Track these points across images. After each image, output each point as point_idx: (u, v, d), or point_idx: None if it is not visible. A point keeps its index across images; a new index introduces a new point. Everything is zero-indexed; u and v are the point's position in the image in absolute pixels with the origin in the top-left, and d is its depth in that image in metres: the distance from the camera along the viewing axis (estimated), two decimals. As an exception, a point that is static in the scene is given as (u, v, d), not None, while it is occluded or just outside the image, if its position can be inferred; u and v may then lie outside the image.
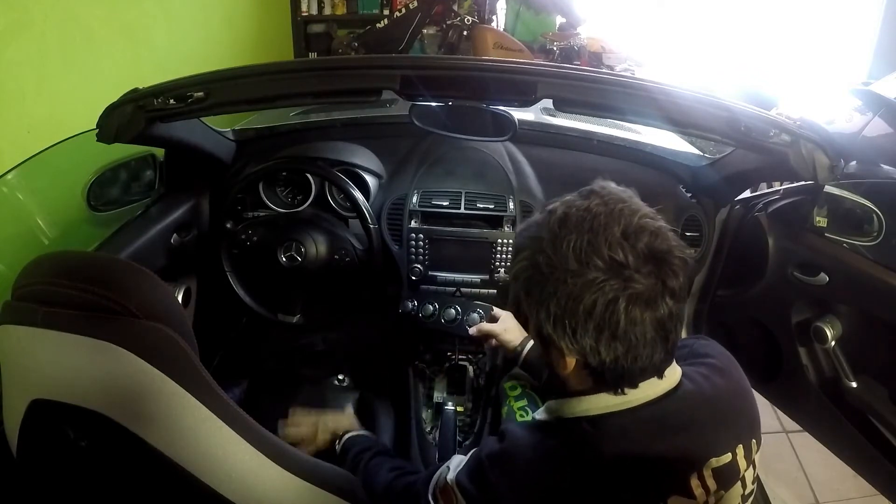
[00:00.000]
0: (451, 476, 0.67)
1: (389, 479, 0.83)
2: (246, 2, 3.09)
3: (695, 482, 0.61)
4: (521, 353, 1.07)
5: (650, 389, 0.61)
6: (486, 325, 1.13)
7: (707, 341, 0.77)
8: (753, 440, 0.67)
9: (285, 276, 1.29)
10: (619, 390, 0.61)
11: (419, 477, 0.78)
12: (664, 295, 0.57)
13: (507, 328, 1.10)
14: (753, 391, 0.76)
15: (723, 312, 1.41)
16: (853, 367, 1.16)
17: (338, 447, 1.00)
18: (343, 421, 1.05)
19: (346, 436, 1.01)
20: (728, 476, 0.63)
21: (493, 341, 1.11)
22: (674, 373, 0.64)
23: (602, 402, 0.62)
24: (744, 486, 0.66)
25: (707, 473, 0.61)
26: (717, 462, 0.62)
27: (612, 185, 0.63)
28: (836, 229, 1.13)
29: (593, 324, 0.56)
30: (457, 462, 0.70)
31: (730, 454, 0.63)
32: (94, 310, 0.60)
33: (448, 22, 3.28)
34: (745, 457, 0.65)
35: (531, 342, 1.06)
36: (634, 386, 0.61)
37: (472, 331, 1.15)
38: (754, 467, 0.67)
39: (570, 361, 0.61)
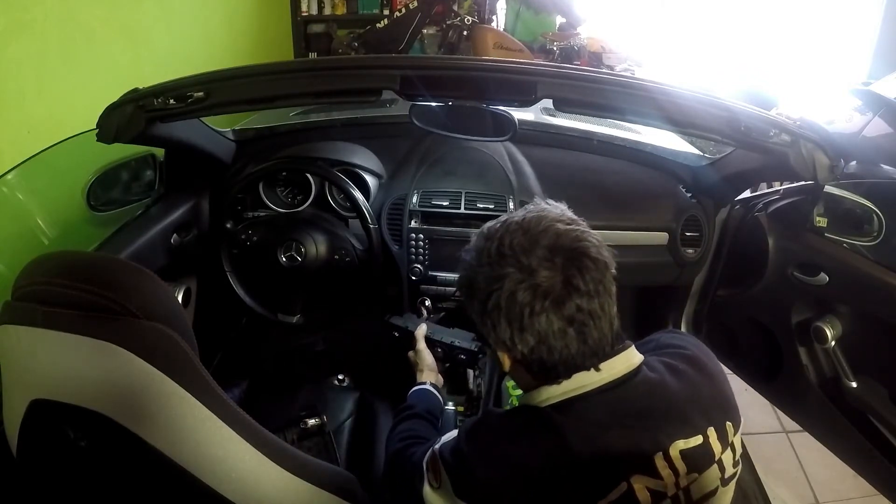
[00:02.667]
0: (437, 447, 0.72)
1: (399, 448, 0.86)
2: (246, 2, 3.09)
3: (660, 463, 0.63)
4: None
5: (592, 378, 0.65)
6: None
7: (675, 333, 0.79)
8: (728, 422, 0.68)
9: (285, 276, 1.29)
10: (555, 379, 0.65)
11: (421, 448, 0.81)
12: (569, 291, 0.61)
13: None
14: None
15: (723, 312, 1.41)
16: (853, 367, 1.16)
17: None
18: (425, 372, 1.09)
19: (413, 388, 1.05)
20: (700, 459, 0.65)
21: None
22: (627, 360, 0.67)
23: (560, 390, 0.66)
24: (722, 469, 0.67)
25: (674, 455, 0.63)
26: (685, 444, 0.64)
27: (547, 202, 0.70)
28: (836, 229, 1.13)
29: (504, 318, 0.63)
30: (447, 436, 0.75)
31: (700, 437, 0.65)
32: (94, 310, 0.60)
33: (448, 22, 3.27)
34: (718, 440, 0.66)
35: None
36: (568, 377, 0.65)
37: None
38: (734, 450, 0.69)
39: (504, 357, 0.68)
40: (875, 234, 1.08)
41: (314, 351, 1.58)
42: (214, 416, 0.62)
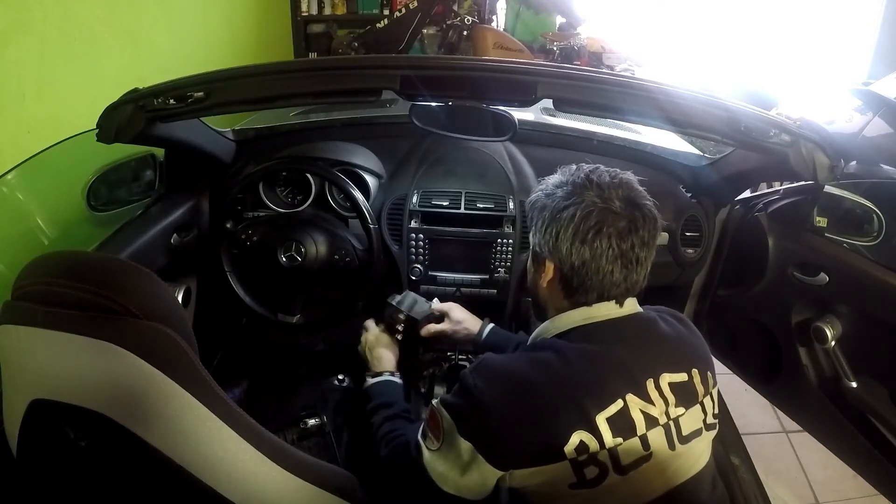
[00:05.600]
0: (435, 402, 0.76)
1: (392, 448, 0.87)
2: (246, 2, 3.09)
3: (651, 388, 0.70)
4: (482, 335, 1.12)
5: (611, 310, 0.75)
6: (433, 327, 1.15)
7: (667, 308, 0.87)
8: (709, 372, 0.78)
9: (285, 276, 1.29)
10: (583, 302, 0.75)
11: (408, 431, 0.84)
12: (631, 230, 0.72)
13: (459, 320, 1.14)
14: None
15: (723, 312, 1.41)
16: (853, 367, 1.16)
17: (366, 383, 1.04)
18: (383, 360, 1.08)
19: (372, 380, 1.04)
20: (686, 394, 0.73)
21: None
22: (634, 305, 0.78)
23: (570, 319, 0.76)
24: (704, 412, 0.75)
25: (664, 384, 0.71)
26: (671, 377, 0.72)
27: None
28: (836, 229, 1.13)
29: (573, 228, 0.73)
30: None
31: (685, 374, 0.74)
32: (94, 310, 0.59)
33: (448, 22, 3.28)
34: (701, 382, 0.75)
35: (489, 326, 1.14)
36: (596, 299, 0.75)
37: (423, 332, 1.16)
38: (714, 401, 0.77)
39: (550, 269, 0.76)
40: (875, 234, 1.08)
41: (314, 351, 1.58)
42: (214, 416, 0.62)
